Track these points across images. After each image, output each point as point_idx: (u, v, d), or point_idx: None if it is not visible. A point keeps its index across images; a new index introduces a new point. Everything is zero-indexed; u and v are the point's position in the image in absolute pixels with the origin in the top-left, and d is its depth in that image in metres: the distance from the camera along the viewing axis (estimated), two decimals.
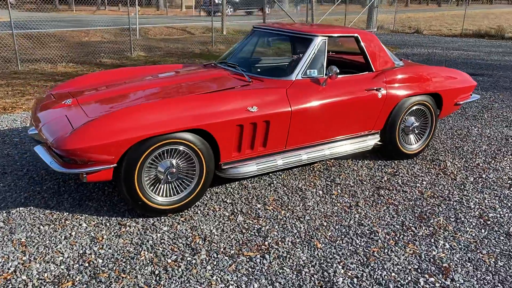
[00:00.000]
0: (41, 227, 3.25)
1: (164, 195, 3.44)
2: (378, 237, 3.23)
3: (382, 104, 4.32)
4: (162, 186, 3.43)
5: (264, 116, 3.63)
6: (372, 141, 4.46)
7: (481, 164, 4.71)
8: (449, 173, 4.45)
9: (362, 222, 3.45)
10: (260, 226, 3.34)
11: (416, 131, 4.73)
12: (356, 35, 4.37)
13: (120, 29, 15.77)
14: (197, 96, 3.45)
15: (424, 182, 4.21)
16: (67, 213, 3.45)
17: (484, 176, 4.41)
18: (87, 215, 3.43)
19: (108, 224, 3.32)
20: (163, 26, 18.86)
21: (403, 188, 4.08)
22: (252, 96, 3.63)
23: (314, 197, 3.84)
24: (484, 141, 5.48)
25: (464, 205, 3.78)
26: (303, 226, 3.36)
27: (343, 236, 3.23)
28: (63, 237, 3.12)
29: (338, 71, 3.91)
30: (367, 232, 3.30)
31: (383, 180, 4.23)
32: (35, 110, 3.80)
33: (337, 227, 3.36)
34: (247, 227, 3.33)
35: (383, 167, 4.57)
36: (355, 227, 3.36)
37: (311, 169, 4.45)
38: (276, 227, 3.34)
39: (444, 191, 4.04)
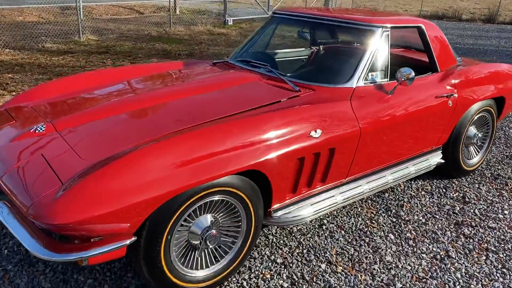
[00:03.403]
0: None
1: (199, 267, 2.33)
2: None
3: (452, 113, 3.39)
4: (197, 255, 2.30)
5: (330, 141, 2.58)
6: (435, 159, 3.53)
7: None
8: None
9: (470, 284, 2.53)
10: None
11: (478, 143, 3.85)
12: (420, 25, 3.37)
13: (59, 8, 13.87)
14: (239, 122, 2.32)
15: (506, 212, 3.35)
16: None
17: None
18: None
19: None
20: (108, 4, 16.97)
21: (487, 222, 3.20)
22: (313, 115, 2.56)
23: (388, 245, 2.86)
24: None
25: None
26: None
27: None
28: None
29: (413, 75, 2.91)
30: None
31: (457, 211, 3.33)
32: None
33: None
34: None
35: (443, 189, 3.67)
36: None
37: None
38: None
39: None
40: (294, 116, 2.49)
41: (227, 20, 13.39)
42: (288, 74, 3.12)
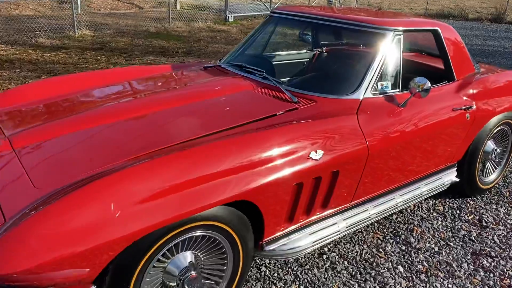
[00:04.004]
0: None
1: None
2: None
3: (469, 127, 3.03)
4: None
5: (333, 163, 2.22)
6: (448, 177, 3.17)
7: None
8: None
9: None
10: None
11: (496, 159, 3.49)
12: (436, 28, 3.00)
13: (57, 1, 13.51)
14: (224, 144, 1.96)
15: None
16: None
17: None
18: None
19: None
20: None
21: (508, 252, 2.84)
22: (314, 132, 2.20)
23: (397, 281, 2.51)
24: None
25: None
26: None
27: None
28: None
29: (429, 86, 2.55)
30: None
31: (473, 238, 2.97)
32: None
33: None
34: None
35: (456, 210, 3.31)
36: None
37: None
38: None
39: None
40: (291, 134, 2.13)
41: (228, 17, 13.01)
42: (286, 82, 2.77)
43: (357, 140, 2.34)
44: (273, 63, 3.47)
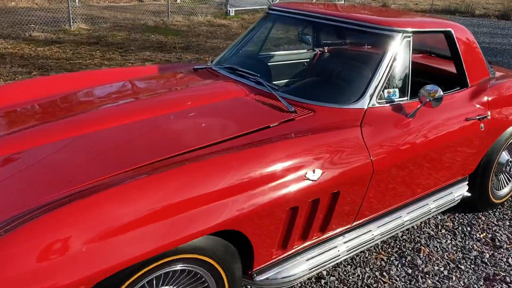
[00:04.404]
0: None
1: None
2: None
3: (484, 138, 2.77)
4: None
5: (333, 183, 1.96)
6: (459, 191, 2.91)
7: None
8: None
9: None
10: None
11: (510, 171, 3.22)
12: (449, 29, 2.72)
13: None
14: (207, 164, 1.70)
15: None
16: None
17: None
18: None
19: None
20: None
21: None
22: (311, 148, 1.94)
23: None
24: None
25: None
26: None
27: None
28: None
29: (441, 94, 2.28)
30: None
31: (486, 260, 2.71)
32: None
33: None
34: None
35: (467, 226, 3.05)
36: None
37: None
38: None
39: None
40: (285, 150, 1.87)
41: (229, 11, 12.71)
42: (283, 87, 2.51)
43: (361, 156, 2.08)
44: (270, 63, 3.21)
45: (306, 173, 1.87)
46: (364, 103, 2.27)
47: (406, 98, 2.42)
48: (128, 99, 2.42)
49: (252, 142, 1.93)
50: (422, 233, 2.94)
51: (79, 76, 2.79)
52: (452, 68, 2.98)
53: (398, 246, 2.79)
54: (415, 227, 2.99)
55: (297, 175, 1.84)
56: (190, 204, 1.57)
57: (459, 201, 2.91)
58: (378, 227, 2.43)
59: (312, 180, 1.89)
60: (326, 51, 3.40)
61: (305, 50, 3.51)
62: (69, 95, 2.50)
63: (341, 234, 2.28)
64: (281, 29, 3.22)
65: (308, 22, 2.91)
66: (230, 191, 1.66)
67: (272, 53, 3.37)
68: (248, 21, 12.09)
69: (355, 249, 2.32)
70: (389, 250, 2.74)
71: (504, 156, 3.12)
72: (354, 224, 2.30)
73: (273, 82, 3.07)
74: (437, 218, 3.12)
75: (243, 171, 1.71)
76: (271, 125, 2.10)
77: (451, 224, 3.07)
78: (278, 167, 1.80)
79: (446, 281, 2.50)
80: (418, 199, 2.65)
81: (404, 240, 2.85)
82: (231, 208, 1.65)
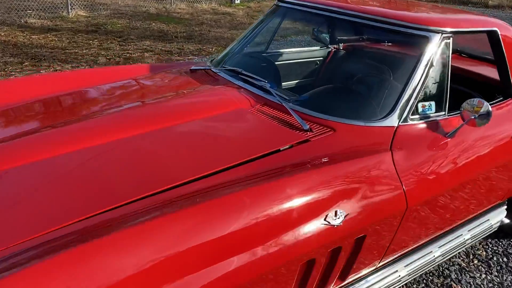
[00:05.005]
0: None
1: None
2: None
3: None
4: None
5: (358, 227, 1.56)
6: (497, 218, 2.50)
7: None
8: None
9: None
10: None
11: None
12: (494, 29, 2.28)
13: None
14: (189, 213, 1.29)
15: None
16: None
17: None
18: None
19: None
20: None
21: None
22: (331, 181, 1.53)
23: None
24: None
25: None
26: None
27: None
28: None
29: (489, 110, 1.86)
30: None
31: None
32: None
33: None
34: None
35: (503, 256, 2.65)
36: None
37: None
38: None
39: None
40: (298, 185, 1.46)
41: None
42: (294, 96, 2.09)
43: (392, 188, 1.67)
44: (278, 62, 2.80)
45: (326, 216, 1.47)
46: (394, 120, 1.86)
47: (443, 113, 2.01)
48: (108, 111, 2.01)
49: (256, 173, 1.52)
50: (451, 264, 2.54)
51: (54, 77, 2.38)
52: (489, 72, 2.56)
53: (424, 281, 2.39)
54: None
55: (314, 219, 1.44)
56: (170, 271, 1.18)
57: (496, 228, 2.50)
58: (405, 266, 2.03)
59: (334, 225, 1.48)
60: (344, 49, 2.97)
61: (318, 48, 3.08)
62: (34, 103, 2.09)
63: (364, 278, 1.88)
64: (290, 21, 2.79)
65: (325, 17, 2.47)
66: (225, 251, 1.26)
67: (281, 50, 2.95)
68: (254, 9, 11.60)
69: None
70: (414, 286, 2.35)
71: None
72: (378, 266, 1.90)
73: (282, 83, 2.67)
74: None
75: (239, 220, 1.31)
76: (281, 149, 1.69)
77: (485, 253, 2.67)
78: (289, 211, 1.40)
79: None
80: (451, 230, 2.25)
81: (431, 274, 2.45)
82: (226, 271, 1.25)
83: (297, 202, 1.41)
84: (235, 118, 1.92)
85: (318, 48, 3.09)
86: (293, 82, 2.96)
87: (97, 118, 1.90)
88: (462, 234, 2.30)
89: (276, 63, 2.78)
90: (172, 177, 1.48)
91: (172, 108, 1.97)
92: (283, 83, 2.78)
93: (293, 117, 1.87)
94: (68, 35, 7.71)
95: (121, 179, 1.48)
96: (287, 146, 1.71)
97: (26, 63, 6.05)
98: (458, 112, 1.96)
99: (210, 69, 2.45)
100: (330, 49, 3.07)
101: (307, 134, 1.79)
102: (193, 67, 2.49)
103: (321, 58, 3.08)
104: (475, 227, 2.37)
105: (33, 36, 7.50)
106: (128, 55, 6.72)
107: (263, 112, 1.96)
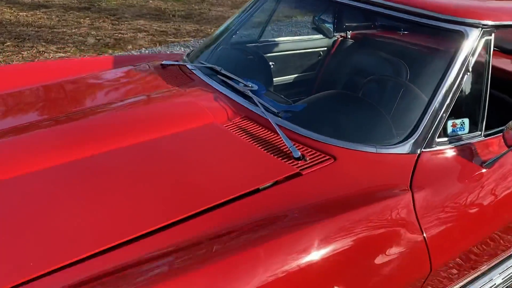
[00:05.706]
0: None
1: None
2: None
3: None
4: None
5: None
6: None
7: None
8: None
9: None
10: None
11: None
12: None
13: None
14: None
15: None
16: None
17: None
18: None
19: None
20: None
21: None
22: (329, 241, 1.07)
23: None
24: None
25: None
26: None
27: None
28: None
29: None
30: None
31: None
32: None
33: None
34: None
35: None
36: None
37: None
38: None
39: None
40: (281, 248, 1.00)
41: None
42: (285, 107, 1.61)
43: (412, 247, 1.21)
44: (272, 54, 2.32)
45: None
46: (416, 145, 1.38)
47: (479, 133, 1.52)
48: (48, 121, 1.55)
49: (222, 229, 1.06)
50: None
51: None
52: None
53: None
54: None
55: None
56: None
57: None
58: None
59: None
60: (353, 38, 2.47)
61: (320, 36, 2.58)
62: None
63: None
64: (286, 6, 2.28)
65: (329, 3, 1.95)
66: None
67: (276, 39, 2.46)
68: None
69: None
70: None
71: None
72: None
73: (277, 78, 2.20)
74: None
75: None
76: (260, 187, 1.23)
77: None
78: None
79: None
80: (481, 275, 1.79)
81: None
82: None
83: (276, 273, 0.96)
84: (204, 137, 1.45)
85: (322, 36, 2.59)
86: (290, 77, 2.49)
87: (36, 133, 1.44)
88: (492, 279, 1.84)
89: (269, 54, 2.30)
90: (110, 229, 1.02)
91: (123, 120, 1.51)
92: (278, 78, 2.31)
93: (282, 139, 1.40)
94: (59, 12, 7.25)
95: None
96: (269, 184, 1.24)
97: (8, 43, 5.61)
98: (499, 130, 1.49)
99: (185, 65, 1.97)
100: (336, 38, 2.56)
101: (298, 163, 1.32)
102: (164, 62, 2.01)
103: (325, 49, 2.58)
104: (507, 268, 1.91)
105: (21, 13, 7.03)
106: (120, 35, 6.25)
107: (242, 129, 1.48)
